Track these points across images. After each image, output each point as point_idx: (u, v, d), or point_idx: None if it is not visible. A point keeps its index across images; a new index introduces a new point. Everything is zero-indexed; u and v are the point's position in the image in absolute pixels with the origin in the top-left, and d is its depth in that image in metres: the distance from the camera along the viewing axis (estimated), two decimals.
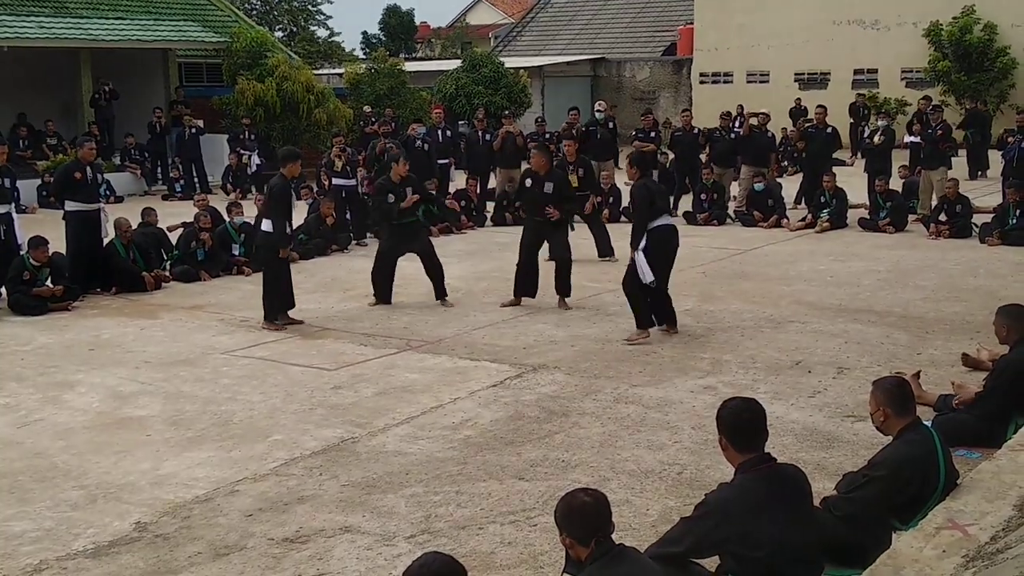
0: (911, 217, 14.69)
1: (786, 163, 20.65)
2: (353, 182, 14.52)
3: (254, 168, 20.29)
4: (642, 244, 8.38)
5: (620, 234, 9.85)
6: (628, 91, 33.91)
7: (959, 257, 12.17)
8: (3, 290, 10.46)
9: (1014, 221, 12.89)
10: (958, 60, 26.90)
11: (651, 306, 8.69)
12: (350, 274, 11.91)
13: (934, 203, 14.56)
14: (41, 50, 20.82)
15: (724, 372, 7.67)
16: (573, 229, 10.54)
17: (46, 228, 11.71)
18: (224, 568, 4.77)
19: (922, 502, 4.27)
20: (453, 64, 29.88)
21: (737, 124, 18.91)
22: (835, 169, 15.79)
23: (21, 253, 10.45)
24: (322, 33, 43.76)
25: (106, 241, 11.29)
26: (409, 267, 10.46)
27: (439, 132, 16.74)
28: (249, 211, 13.19)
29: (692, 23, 32.78)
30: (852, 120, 25.54)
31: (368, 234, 14.07)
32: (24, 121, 21.01)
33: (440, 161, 16.12)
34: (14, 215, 11.05)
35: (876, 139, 16.24)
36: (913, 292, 10.31)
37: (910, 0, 28.14)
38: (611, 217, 14.39)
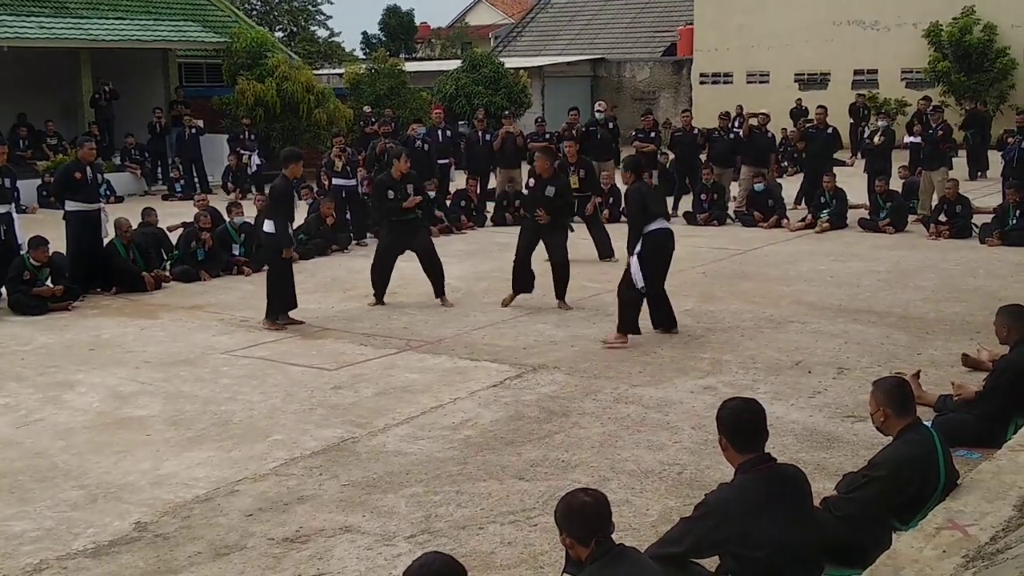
0: (911, 217, 14.68)
1: (786, 163, 20.64)
2: (353, 182, 14.52)
3: (254, 168, 20.30)
4: (637, 248, 8.38)
5: (620, 234, 9.85)
6: (628, 91, 33.90)
7: (959, 257, 12.17)
8: (3, 290, 10.47)
9: (1014, 221, 12.89)
10: (958, 61, 26.90)
11: (649, 309, 8.68)
12: (350, 274, 11.92)
13: (934, 203, 14.56)
14: (41, 50, 20.82)
15: (724, 372, 7.67)
16: (572, 230, 10.57)
17: (46, 228, 11.71)
18: (224, 568, 4.78)
19: (922, 502, 4.27)
20: (453, 64, 29.89)
21: (736, 124, 18.90)
22: (835, 169, 15.77)
23: (21, 253, 10.46)
24: (322, 33, 43.75)
25: (106, 241, 11.29)
26: (409, 267, 10.46)
27: (439, 132, 16.73)
28: (249, 211, 13.21)
29: (692, 23, 32.76)
30: (852, 120, 25.52)
31: (368, 234, 14.08)
32: (24, 121, 21.01)
33: (440, 161, 16.13)
34: (14, 215, 11.05)
35: (876, 139, 16.24)
36: (913, 292, 10.31)
37: (910, 0, 28.13)
38: (611, 217, 14.39)
